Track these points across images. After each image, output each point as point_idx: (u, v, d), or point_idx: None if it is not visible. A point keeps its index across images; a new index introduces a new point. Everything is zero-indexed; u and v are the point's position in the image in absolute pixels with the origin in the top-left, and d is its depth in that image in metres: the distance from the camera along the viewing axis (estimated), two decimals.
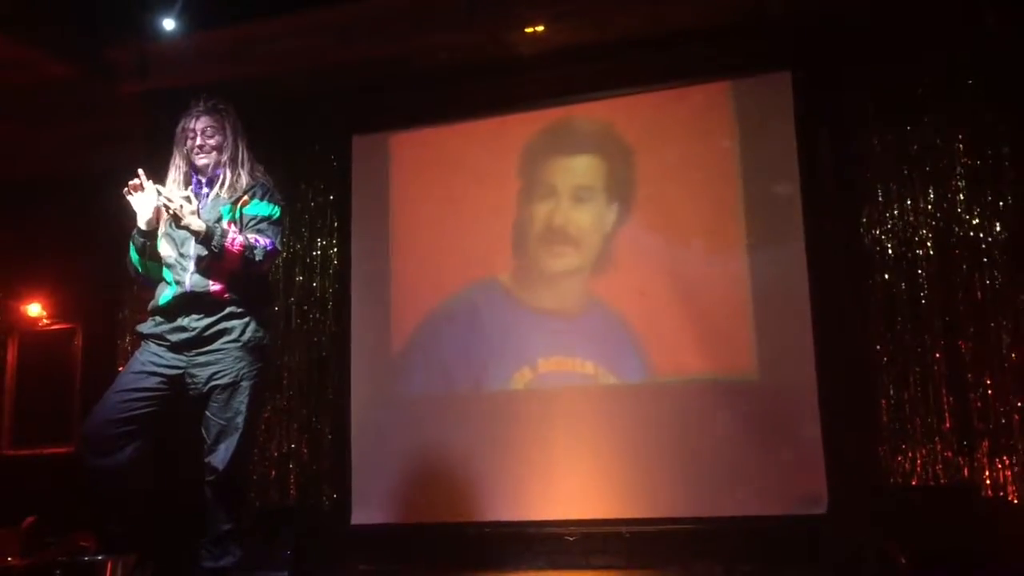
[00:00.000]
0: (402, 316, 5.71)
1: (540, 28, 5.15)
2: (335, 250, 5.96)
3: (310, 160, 6.07)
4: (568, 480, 5.16)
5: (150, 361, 3.25)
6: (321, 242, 6.00)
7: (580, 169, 5.52)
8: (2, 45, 5.07)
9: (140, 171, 3.26)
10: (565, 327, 5.38)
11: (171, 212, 3.13)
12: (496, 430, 5.36)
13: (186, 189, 3.32)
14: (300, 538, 5.27)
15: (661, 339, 5.21)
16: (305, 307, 5.94)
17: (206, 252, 3.20)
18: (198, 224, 3.14)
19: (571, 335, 5.36)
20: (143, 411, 3.20)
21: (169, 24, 5.13)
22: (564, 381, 5.32)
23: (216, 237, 3.15)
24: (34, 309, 6.79)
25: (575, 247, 5.43)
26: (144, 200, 3.24)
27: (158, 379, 3.23)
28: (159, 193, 3.18)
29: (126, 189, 3.24)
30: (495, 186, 5.63)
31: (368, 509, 5.52)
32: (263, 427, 5.77)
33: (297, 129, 5.99)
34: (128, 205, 3.29)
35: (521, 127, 5.66)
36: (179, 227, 3.18)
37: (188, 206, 3.13)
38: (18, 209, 6.70)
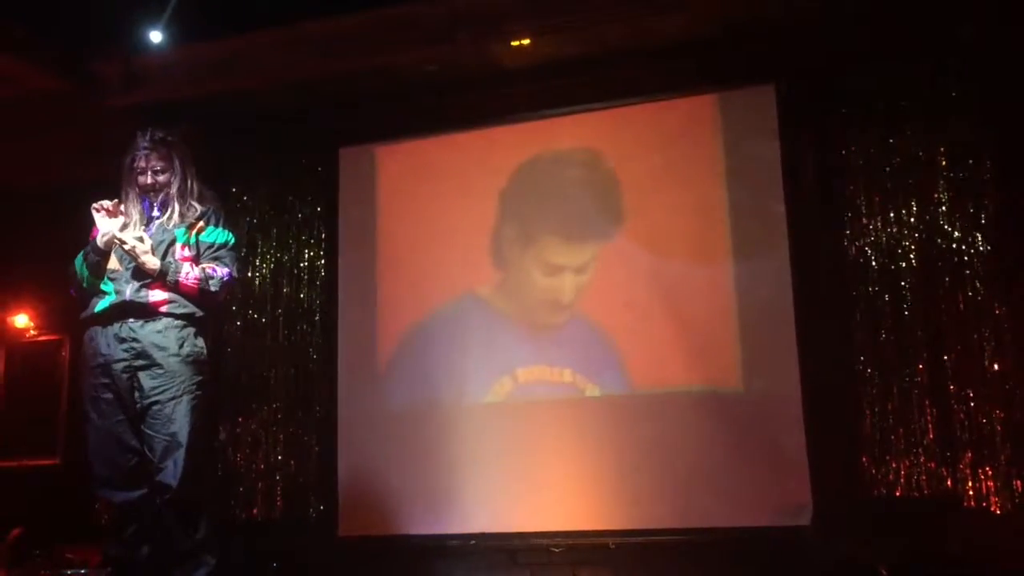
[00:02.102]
0: (388, 327, 5.71)
1: (525, 41, 5.16)
2: (322, 261, 5.97)
3: (297, 172, 6.08)
4: (554, 491, 5.17)
5: (105, 399, 3.23)
6: (308, 253, 6.00)
7: (571, 212, 5.47)
8: None
9: (116, 200, 3.32)
10: (548, 338, 5.39)
11: (125, 251, 3.21)
12: (480, 441, 5.37)
13: (137, 216, 3.35)
14: (287, 550, 5.29)
15: (646, 350, 5.22)
16: (292, 319, 5.94)
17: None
18: (153, 262, 3.23)
19: (553, 346, 5.37)
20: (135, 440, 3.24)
21: (155, 38, 5.12)
22: (545, 392, 5.32)
23: (170, 273, 3.23)
24: (21, 320, 6.77)
25: (570, 284, 5.42)
26: (109, 222, 3.28)
27: (119, 416, 3.23)
28: (114, 235, 3.23)
29: (96, 207, 3.28)
30: (480, 198, 5.64)
31: (355, 521, 5.52)
32: (249, 439, 5.80)
33: (284, 141, 6.01)
34: (91, 218, 3.32)
35: (507, 139, 5.67)
36: (134, 262, 3.24)
37: (141, 246, 3.21)
38: (4, 220, 6.68)
